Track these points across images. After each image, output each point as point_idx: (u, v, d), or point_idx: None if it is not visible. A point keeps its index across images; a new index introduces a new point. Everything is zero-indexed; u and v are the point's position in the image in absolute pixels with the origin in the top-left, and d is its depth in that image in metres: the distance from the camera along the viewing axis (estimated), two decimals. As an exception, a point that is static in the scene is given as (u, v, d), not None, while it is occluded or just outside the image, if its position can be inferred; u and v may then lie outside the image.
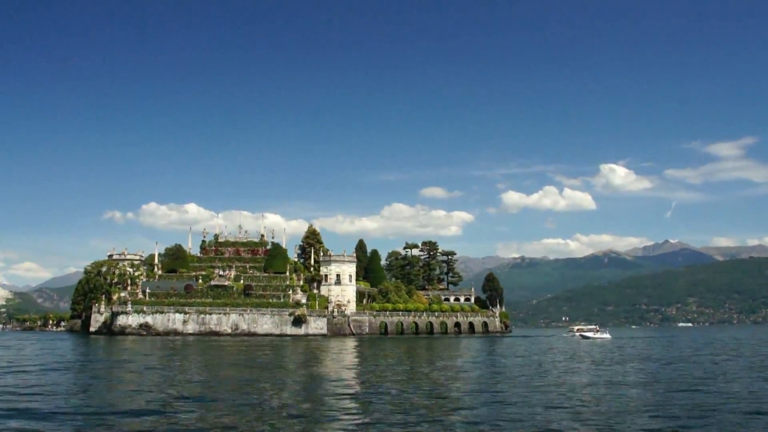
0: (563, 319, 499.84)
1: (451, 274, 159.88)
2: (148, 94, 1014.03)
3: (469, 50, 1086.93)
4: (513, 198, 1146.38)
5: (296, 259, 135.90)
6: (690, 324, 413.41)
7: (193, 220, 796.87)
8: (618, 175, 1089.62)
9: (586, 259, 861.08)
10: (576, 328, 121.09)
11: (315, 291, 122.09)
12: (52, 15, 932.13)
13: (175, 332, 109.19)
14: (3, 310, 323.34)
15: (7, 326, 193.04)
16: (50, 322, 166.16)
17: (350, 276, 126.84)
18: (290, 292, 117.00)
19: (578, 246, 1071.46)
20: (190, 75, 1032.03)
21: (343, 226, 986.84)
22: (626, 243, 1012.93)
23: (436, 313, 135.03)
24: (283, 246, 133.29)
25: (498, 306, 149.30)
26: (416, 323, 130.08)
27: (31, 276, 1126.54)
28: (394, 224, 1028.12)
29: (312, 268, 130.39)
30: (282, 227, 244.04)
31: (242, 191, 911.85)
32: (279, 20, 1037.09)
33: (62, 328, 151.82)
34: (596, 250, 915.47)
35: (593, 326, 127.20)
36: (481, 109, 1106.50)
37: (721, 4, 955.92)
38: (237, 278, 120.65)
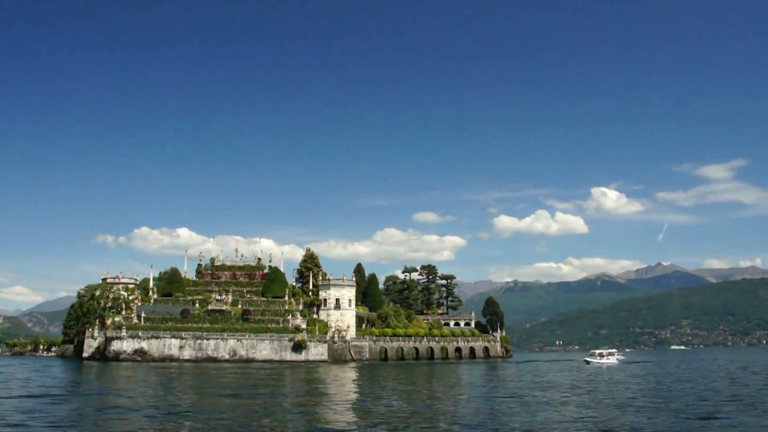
0: (557, 342, 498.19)
1: (450, 298, 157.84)
2: (141, 117, 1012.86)
3: (460, 73, 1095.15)
4: (505, 222, 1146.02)
5: (294, 284, 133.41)
6: (683, 347, 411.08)
7: (185, 244, 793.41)
8: (609, 198, 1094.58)
9: (578, 282, 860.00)
10: (597, 352, 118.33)
11: (314, 316, 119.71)
12: (42, 35, 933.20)
13: (171, 358, 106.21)
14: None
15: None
16: (41, 346, 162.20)
17: (350, 300, 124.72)
18: (289, 316, 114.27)
19: (571, 269, 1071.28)
20: (182, 99, 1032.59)
21: (336, 251, 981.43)
22: (619, 266, 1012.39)
23: (437, 338, 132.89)
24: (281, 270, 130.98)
25: (498, 330, 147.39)
26: (416, 348, 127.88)
27: (21, 300, 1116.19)
28: (386, 249, 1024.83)
29: (311, 293, 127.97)
30: (278, 251, 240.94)
31: (234, 216, 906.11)
32: (270, 43, 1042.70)
33: (53, 354, 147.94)
34: (589, 273, 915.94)
35: (612, 350, 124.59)
36: (472, 132, 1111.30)
37: (711, 26, 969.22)
38: (235, 303, 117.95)
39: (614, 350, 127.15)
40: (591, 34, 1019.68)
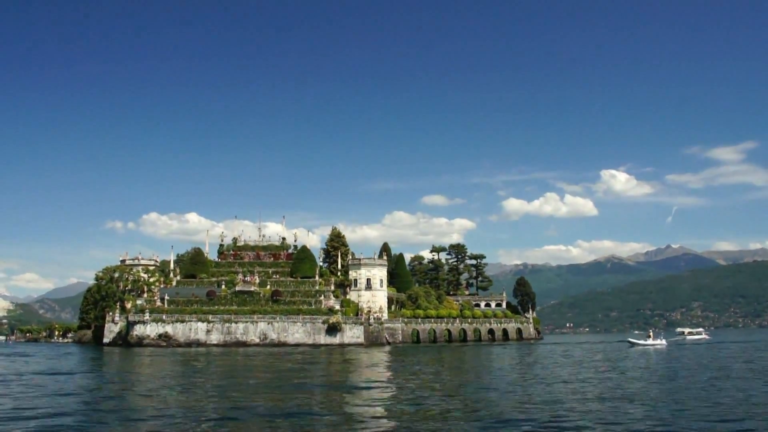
0: (568, 325, 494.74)
1: (480, 279, 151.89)
2: (148, 104, 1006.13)
3: (468, 57, 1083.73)
4: (514, 205, 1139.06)
5: (321, 264, 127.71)
6: (688, 329, 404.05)
7: (194, 229, 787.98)
8: (619, 180, 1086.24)
9: (588, 265, 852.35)
10: (686, 330, 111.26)
11: (346, 296, 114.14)
12: (52, 24, 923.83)
13: (198, 343, 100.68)
14: (5, 321, 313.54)
15: (11, 338, 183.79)
16: (56, 333, 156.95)
17: (381, 280, 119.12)
18: (321, 297, 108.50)
19: (580, 252, 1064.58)
20: (189, 85, 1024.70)
21: (345, 234, 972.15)
22: (628, 249, 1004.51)
23: (469, 320, 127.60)
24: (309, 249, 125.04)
25: (530, 311, 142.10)
26: (449, 330, 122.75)
27: (32, 287, 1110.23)
28: (395, 232, 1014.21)
29: (339, 273, 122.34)
30: (303, 231, 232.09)
31: (242, 201, 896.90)
32: (277, 28, 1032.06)
33: (69, 340, 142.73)
34: (598, 255, 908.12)
35: (699, 329, 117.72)
36: (481, 115, 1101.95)
37: (720, 9, 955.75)
38: (262, 283, 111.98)
39: (701, 329, 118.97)
40: (600, 15, 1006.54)
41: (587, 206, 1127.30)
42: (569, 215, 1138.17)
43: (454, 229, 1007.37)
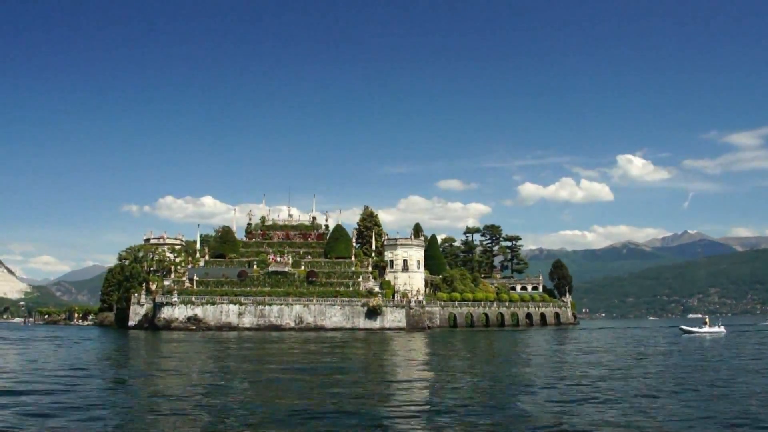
0: (584, 310, 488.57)
1: (515, 261, 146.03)
2: (164, 88, 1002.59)
3: (484, 41, 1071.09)
4: (530, 190, 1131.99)
5: (354, 244, 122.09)
6: (699, 315, 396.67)
7: (209, 213, 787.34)
8: (635, 165, 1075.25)
9: (604, 250, 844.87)
10: None
11: (382, 279, 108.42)
12: (70, 6, 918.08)
13: (230, 326, 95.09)
14: (22, 303, 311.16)
15: (29, 320, 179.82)
16: (75, 315, 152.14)
17: (418, 262, 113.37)
18: (359, 279, 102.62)
19: (596, 237, 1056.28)
20: (205, 68, 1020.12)
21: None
22: (644, 234, 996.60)
23: (506, 303, 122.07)
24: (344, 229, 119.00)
25: (567, 295, 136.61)
26: (486, 314, 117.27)
27: (48, 269, 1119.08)
28: (410, 217, 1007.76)
29: (373, 254, 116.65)
30: (335, 210, 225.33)
31: (258, 185, 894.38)
32: (293, 10, 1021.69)
33: (89, 322, 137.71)
34: (614, 241, 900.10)
35: None
36: (497, 100, 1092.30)
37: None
38: (295, 264, 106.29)
39: None
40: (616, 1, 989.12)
41: (603, 191, 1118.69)
42: (585, 200, 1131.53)
43: (470, 214, 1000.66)
